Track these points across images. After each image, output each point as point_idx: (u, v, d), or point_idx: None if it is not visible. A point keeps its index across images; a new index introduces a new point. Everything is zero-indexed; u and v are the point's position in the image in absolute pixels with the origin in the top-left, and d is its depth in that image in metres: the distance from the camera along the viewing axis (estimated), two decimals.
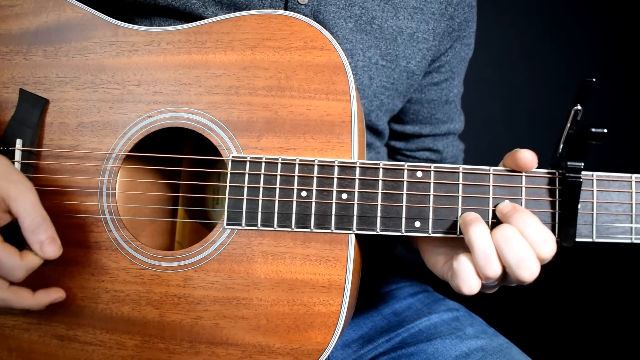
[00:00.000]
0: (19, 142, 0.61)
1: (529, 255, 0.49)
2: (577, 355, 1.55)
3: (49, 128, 0.62)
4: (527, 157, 0.52)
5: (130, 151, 0.60)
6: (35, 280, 0.56)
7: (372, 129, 0.75)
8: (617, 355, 1.56)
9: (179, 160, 0.68)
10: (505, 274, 0.51)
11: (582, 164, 0.51)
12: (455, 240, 0.56)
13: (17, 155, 0.61)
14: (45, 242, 0.54)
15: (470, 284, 0.50)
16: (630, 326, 1.60)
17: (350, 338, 0.76)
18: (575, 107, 0.50)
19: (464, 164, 0.57)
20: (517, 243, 0.49)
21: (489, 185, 0.54)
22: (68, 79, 0.62)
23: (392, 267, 0.86)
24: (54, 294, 0.58)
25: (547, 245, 0.49)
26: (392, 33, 0.69)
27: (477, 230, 0.50)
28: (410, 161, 0.84)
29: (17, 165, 0.60)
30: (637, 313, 1.62)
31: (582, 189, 0.52)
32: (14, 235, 0.54)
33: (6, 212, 0.54)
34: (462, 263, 0.51)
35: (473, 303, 0.77)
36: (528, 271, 0.49)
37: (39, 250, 0.54)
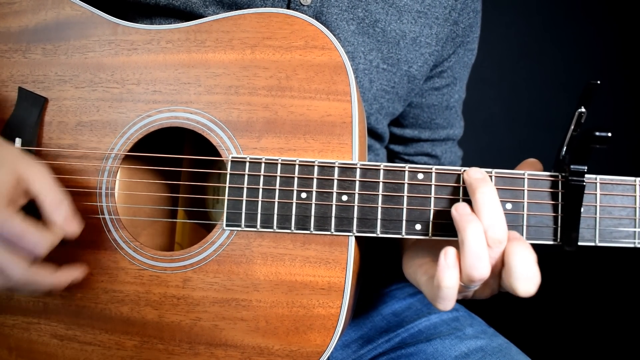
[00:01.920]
0: (17, 141, 0.60)
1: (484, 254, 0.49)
2: (577, 355, 1.55)
3: (48, 127, 0.61)
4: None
5: (129, 151, 0.60)
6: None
7: (371, 132, 0.75)
8: (617, 355, 1.56)
9: (179, 161, 0.68)
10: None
11: (586, 168, 0.51)
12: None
13: None
14: (69, 218, 0.55)
15: (450, 275, 0.49)
16: (630, 327, 1.60)
17: (350, 338, 0.76)
18: (580, 110, 0.49)
19: (464, 166, 0.56)
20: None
21: None
22: (67, 78, 0.61)
23: (392, 268, 0.85)
24: (74, 272, 0.57)
25: (496, 230, 0.49)
26: (395, 37, 0.68)
27: (472, 228, 0.49)
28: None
29: None
30: (637, 314, 1.62)
31: (585, 192, 0.51)
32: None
33: (23, 194, 0.54)
34: (445, 280, 0.49)
35: (473, 303, 0.76)
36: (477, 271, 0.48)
37: (62, 225, 0.54)
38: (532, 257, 0.49)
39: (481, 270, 0.48)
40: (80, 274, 0.58)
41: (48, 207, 0.54)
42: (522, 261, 0.48)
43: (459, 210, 0.51)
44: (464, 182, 0.54)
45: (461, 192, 0.54)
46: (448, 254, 0.49)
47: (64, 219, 0.54)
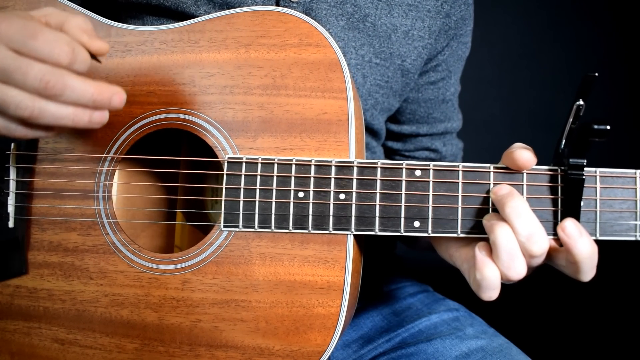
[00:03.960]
0: (13, 146, 0.60)
1: (518, 255, 0.49)
2: (577, 355, 1.54)
3: None
4: (524, 156, 0.51)
5: (126, 153, 0.60)
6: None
7: (367, 129, 0.74)
8: (617, 355, 1.55)
9: (176, 162, 0.68)
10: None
11: (585, 161, 0.50)
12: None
13: (12, 159, 0.60)
14: (92, 32, 0.49)
15: (491, 269, 0.49)
16: (630, 326, 1.59)
17: (350, 338, 0.75)
18: (578, 102, 0.49)
19: (464, 162, 0.56)
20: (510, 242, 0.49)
21: (489, 183, 0.53)
22: None
23: (392, 267, 0.85)
24: (115, 87, 0.48)
25: (534, 242, 0.49)
26: (386, 31, 0.68)
27: (501, 232, 0.49)
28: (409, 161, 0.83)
29: (12, 169, 0.60)
30: (637, 313, 1.61)
31: (585, 185, 0.51)
32: None
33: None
34: (487, 272, 0.50)
35: (473, 303, 0.76)
36: (514, 271, 0.49)
37: (86, 37, 0.47)
38: (595, 250, 0.49)
39: (517, 268, 0.49)
40: (120, 91, 0.48)
41: (70, 20, 0.47)
42: (589, 259, 0.49)
43: (488, 218, 0.51)
44: (463, 179, 0.53)
45: (460, 189, 0.53)
46: (482, 248, 0.50)
47: (89, 33, 0.47)
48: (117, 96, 0.48)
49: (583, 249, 0.48)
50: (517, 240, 0.49)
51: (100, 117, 0.48)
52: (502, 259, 0.49)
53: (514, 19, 1.84)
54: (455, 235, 0.53)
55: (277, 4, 0.64)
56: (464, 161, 0.87)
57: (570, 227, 0.49)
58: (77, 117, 0.46)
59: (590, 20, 1.81)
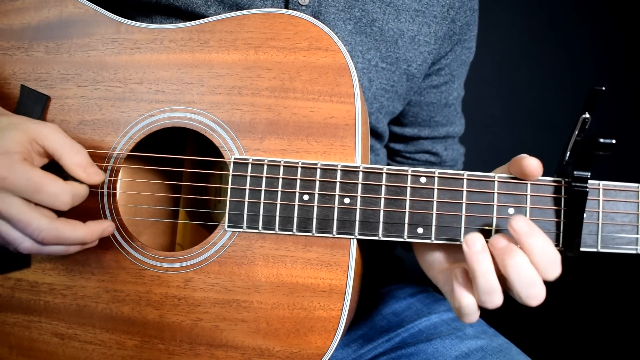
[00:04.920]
0: None
1: (538, 283, 0.48)
2: (577, 355, 1.55)
3: None
4: (532, 164, 0.51)
5: (131, 151, 0.59)
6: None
7: (372, 132, 0.75)
8: (617, 355, 1.56)
9: (181, 161, 0.68)
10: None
11: (589, 174, 0.50)
12: (453, 247, 0.55)
13: None
14: (89, 165, 0.54)
15: (466, 296, 0.50)
16: (630, 327, 1.61)
17: (350, 338, 0.76)
18: (584, 116, 0.49)
19: (465, 165, 0.57)
20: (527, 273, 0.48)
21: (493, 193, 0.54)
22: (69, 76, 0.61)
23: (392, 268, 0.86)
24: (104, 223, 0.56)
25: (553, 268, 0.49)
26: (393, 35, 0.68)
27: (482, 264, 0.48)
28: (410, 163, 0.84)
29: None
30: (636, 314, 1.63)
31: (588, 198, 0.51)
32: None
33: (41, 154, 0.54)
34: (465, 301, 0.50)
35: None
36: (536, 300, 0.49)
37: (83, 173, 0.53)
38: (549, 243, 0.49)
39: (494, 302, 0.49)
40: (111, 224, 0.57)
41: (67, 157, 0.53)
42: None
43: (470, 247, 0.49)
44: (467, 187, 0.54)
45: (464, 197, 0.54)
46: (459, 277, 0.50)
47: (84, 166, 0.54)
48: (106, 232, 0.57)
49: (536, 244, 0.48)
50: (493, 268, 0.49)
51: (92, 245, 0.57)
52: (480, 292, 0.49)
53: (514, 19, 1.83)
54: (458, 243, 0.54)
55: (286, 7, 0.64)
56: (465, 162, 0.88)
57: (519, 223, 0.48)
58: (69, 250, 0.55)
59: (590, 20, 1.81)
